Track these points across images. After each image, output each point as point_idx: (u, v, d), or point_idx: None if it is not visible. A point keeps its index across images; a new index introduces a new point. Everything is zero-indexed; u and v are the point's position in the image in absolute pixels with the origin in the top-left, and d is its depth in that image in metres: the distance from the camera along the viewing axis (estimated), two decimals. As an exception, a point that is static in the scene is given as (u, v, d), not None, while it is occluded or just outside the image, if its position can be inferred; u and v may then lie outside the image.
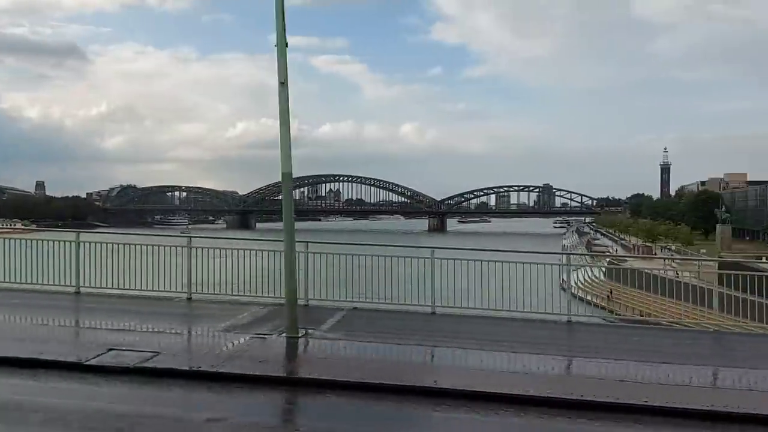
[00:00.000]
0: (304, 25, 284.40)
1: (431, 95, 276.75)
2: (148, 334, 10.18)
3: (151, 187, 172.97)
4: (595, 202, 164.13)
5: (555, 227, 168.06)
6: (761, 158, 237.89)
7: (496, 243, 61.90)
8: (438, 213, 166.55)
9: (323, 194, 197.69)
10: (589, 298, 43.77)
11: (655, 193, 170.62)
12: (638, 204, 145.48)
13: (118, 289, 13.24)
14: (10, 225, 76.02)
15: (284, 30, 9.46)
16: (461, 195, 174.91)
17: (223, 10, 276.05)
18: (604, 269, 44.15)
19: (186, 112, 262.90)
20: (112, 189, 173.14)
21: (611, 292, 41.81)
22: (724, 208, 75.04)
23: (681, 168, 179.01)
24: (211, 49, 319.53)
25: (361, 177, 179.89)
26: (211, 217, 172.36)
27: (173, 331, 10.17)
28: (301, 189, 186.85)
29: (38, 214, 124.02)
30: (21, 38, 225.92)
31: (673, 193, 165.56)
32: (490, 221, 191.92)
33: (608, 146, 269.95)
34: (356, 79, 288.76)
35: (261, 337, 9.50)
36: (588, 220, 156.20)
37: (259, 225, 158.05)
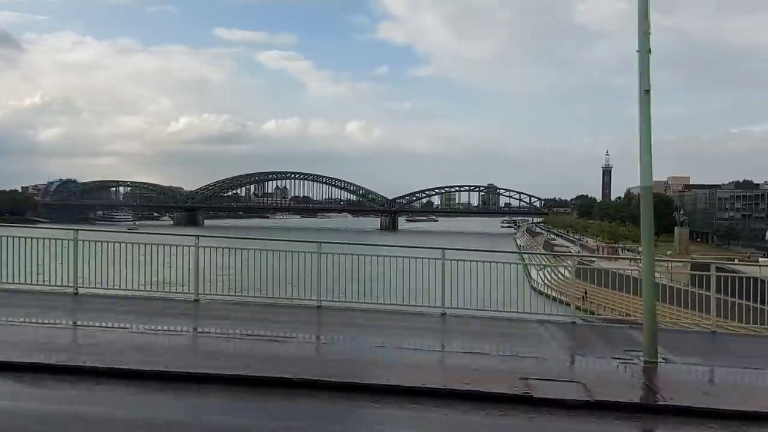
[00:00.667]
0: (251, 20, 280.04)
1: (378, 94, 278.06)
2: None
3: (94, 182, 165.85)
4: (541, 202, 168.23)
5: (503, 227, 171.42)
6: (687, 161, 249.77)
7: (454, 242, 62.59)
8: (389, 212, 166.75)
9: (270, 191, 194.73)
10: (562, 298, 45.03)
11: (597, 195, 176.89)
12: (586, 205, 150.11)
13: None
14: None
15: (647, 34, 8.76)
16: (412, 194, 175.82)
17: (168, 2, 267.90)
18: (570, 269, 45.64)
19: (126, 104, 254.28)
20: (51, 183, 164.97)
21: (586, 293, 43.20)
22: (682, 211, 78.46)
23: (618, 171, 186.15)
24: (154, 41, 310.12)
25: (311, 174, 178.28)
26: (156, 214, 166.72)
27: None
28: (248, 186, 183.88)
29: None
30: None
31: (614, 194, 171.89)
32: (437, 220, 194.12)
33: (549, 148, 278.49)
34: (303, 76, 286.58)
35: (621, 361, 9.07)
36: (536, 220, 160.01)
37: (206, 222, 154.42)
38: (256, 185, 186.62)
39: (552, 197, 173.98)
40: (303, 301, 13.31)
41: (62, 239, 14.41)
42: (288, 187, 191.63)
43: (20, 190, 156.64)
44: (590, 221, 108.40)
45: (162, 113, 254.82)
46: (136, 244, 14.61)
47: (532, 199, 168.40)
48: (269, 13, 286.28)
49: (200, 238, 13.55)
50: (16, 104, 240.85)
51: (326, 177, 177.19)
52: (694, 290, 15.30)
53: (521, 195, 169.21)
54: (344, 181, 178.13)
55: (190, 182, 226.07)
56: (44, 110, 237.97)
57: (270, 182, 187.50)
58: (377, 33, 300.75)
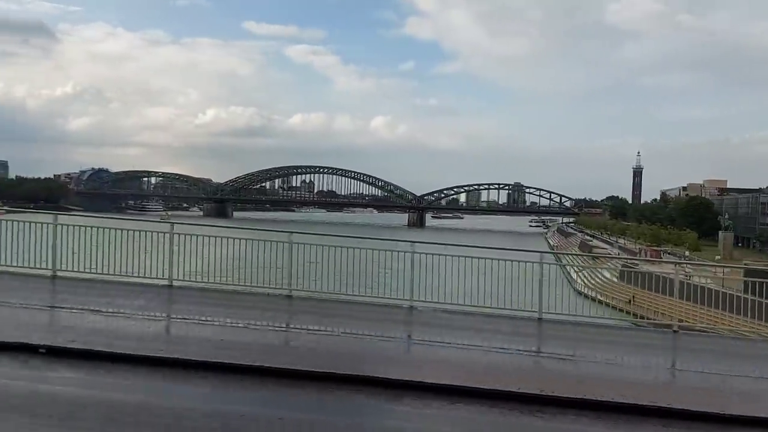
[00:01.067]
0: (280, 14, 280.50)
1: (403, 90, 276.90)
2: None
3: (125, 172, 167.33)
4: (572, 202, 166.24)
5: (531, 226, 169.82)
6: (717, 165, 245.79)
7: (484, 240, 61.87)
8: (417, 208, 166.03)
9: (296, 185, 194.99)
10: (608, 301, 44.06)
11: (627, 195, 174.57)
12: (618, 207, 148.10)
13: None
14: None
15: None
16: (440, 191, 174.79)
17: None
18: (613, 272, 44.57)
19: (155, 96, 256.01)
20: (83, 172, 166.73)
21: (633, 297, 42.18)
22: (726, 215, 76.81)
23: (648, 172, 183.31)
24: (184, 34, 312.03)
25: (338, 169, 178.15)
26: (185, 204, 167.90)
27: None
28: (274, 180, 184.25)
29: (8, 196, 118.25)
30: None
31: (644, 196, 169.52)
32: (463, 218, 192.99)
33: (577, 148, 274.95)
34: (329, 71, 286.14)
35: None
36: (566, 220, 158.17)
37: (235, 214, 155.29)
38: (283, 179, 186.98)
39: (582, 197, 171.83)
40: (395, 301, 13.16)
41: (158, 231, 14.37)
42: (314, 181, 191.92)
43: (52, 178, 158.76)
44: (626, 223, 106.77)
45: (190, 105, 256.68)
46: (230, 239, 14.58)
47: (563, 199, 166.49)
48: (298, 8, 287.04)
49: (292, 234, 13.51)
50: (49, 93, 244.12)
51: (353, 172, 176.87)
52: (747, 297, 14.41)
53: (551, 194, 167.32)
54: (371, 177, 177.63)
55: (216, 174, 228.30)
56: (75, 100, 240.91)
57: (296, 176, 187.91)
58: (404, 29, 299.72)
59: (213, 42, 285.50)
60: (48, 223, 13.97)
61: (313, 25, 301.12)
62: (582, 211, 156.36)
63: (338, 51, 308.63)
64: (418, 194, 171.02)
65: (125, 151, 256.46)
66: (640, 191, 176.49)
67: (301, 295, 13.44)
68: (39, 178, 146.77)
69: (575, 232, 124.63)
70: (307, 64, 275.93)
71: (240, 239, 14.45)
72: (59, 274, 13.41)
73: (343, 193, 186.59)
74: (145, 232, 15.03)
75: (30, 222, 14.51)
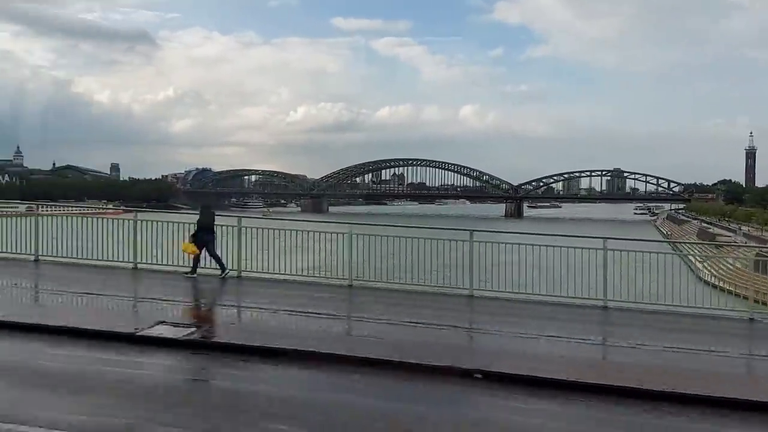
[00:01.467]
0: (367, 8, 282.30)
1: (491, 77, 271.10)
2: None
3: (228, 171, 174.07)
4: (681, 188, 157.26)
5: (636, 214, 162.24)
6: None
7: (591, 230, 59.50)
8: (514, 198, 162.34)
9: (387, 178, 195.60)
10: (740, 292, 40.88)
11: (739, 178, 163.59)
12: (734, 191, 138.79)
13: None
14: (103, 207, 75.60)
15: None
16: (539, 179, 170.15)
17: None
18: (745, 261, 41.18)
19: (249, 96, 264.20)
20: (189, 172, 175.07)
21: None
22: None
23: (763, 153, 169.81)
24: (274, 34, 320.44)
25: (432, 160, 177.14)
26: (282, 201, 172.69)
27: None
28: (367, 174, 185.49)
29: (124, 196, 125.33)
30: (94, 24, 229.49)
31: (759, 179, 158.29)
32: (560, 206, 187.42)
33: (678, 131, 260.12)
34: (416, 62, 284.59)
35: None
36: (674, 207, 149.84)
37: (331, 209, 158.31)
38: (374, 173, 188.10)
39: (691, 182, 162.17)
40: (454, 290, 13.52)
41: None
42: (405, 173, 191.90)
43: (161, 179, 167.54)
44: (748, 209, 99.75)
45: (282, 104, 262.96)
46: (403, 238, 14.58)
47: (671, 184, 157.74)
48: (384, 1, 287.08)
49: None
50: (152, 98, 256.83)
51: (446, 162, 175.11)
52: None
53: (659, 180, 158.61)
54: (464, 167, 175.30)
55: (308, 169, 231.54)
56: (176, 103, 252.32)
57: (386, 169, 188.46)
58: (493, 14, 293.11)
59: (302, 41, 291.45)
60: (233, 226, 14.84)
61: (398, 17, 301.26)
62: (693, 197, 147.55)
63: (424, 41, 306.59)
64: (510, 184, 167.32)
65: (222, 150, 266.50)
66: (754, 174, 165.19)
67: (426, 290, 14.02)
68: (150, 179, 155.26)
69: (688, 219, 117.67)
70: (394, 56, 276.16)
71: (422, 239, 14.33)
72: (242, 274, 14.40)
73: (432, 185, 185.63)
74: (324, 233, 15.60)
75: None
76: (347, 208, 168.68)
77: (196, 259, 14.02)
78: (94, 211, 33.60)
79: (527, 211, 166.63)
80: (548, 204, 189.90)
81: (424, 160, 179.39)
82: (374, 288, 13.76)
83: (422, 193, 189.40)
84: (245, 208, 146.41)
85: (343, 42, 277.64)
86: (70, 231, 15.58)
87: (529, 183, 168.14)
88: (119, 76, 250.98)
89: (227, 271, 14.06)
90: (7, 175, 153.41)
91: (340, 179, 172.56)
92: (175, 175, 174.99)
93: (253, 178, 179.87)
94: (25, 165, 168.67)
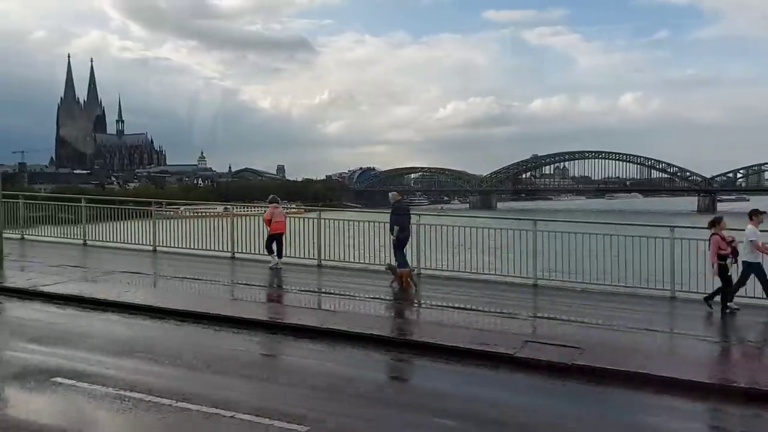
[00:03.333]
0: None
1: (654, 62, 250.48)
2: None
3: (392, 170, 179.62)
4: None
5: None
6: None
7: None
8: (706, 191, 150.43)
9: (549, 172, 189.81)
10: None
11: None
12: None
13: None
14: (291, 206, 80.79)
15: None
16: (735, 171, 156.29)
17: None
18: None
19: (398, 95, 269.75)
20: (353, 171, 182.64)
21: None
22: None
23: None
24: (425, 32, 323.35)
25: (601, 151, 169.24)
26: (445, 198, 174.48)
27: None
28: (534, 169, 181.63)
29: (301, 196, 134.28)
30: (259, 35, 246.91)
31: None
32: (748, 200, 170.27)
33: None
34: (570, 51, 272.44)
35: None
36: None
37: (499, 205, 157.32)
38: (536, 167, 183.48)
39: None
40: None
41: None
42: (567, 166, 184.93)
43: (332, 179, 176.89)
44: None
45: (431, 101, 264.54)
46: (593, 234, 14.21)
47: None
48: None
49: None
50: (309, 102, 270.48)
51: (622, 153, 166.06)
52: None
53: None
54: (639, 156, 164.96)
55: (459, 165, 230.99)
56: (331, 106, 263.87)
57: (549, 165, 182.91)
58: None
59: (451, 37, 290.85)
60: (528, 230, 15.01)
61: (553, 5, 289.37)
62: None
63: (580, 29, 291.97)
64: (702, 175, 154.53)
65: (374, 149, 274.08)
66: None
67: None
68: (324, 179, 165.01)
69: None
70: (546, 46, 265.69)
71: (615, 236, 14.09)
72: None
73: (596, 178, 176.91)
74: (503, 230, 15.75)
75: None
76: (511, 204, 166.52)
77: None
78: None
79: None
80: (734, 197, 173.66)
81: (591, 151, 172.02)
82: (560, 288, 13.79)
83: (596, 188, 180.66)
84: (410, 206, 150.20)
85: (492, 35, 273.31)
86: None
87: (724, 174, 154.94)
88: (280, 83, 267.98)
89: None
90: (199, 179, 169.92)
91: (509, 175, 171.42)
92: (341, 174, 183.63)
93: (414, 175, 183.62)
94: (213, 169, 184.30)
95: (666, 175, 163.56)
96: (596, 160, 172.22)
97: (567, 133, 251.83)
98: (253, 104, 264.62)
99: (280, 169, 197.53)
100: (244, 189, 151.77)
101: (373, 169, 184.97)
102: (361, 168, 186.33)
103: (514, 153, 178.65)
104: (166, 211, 23.75)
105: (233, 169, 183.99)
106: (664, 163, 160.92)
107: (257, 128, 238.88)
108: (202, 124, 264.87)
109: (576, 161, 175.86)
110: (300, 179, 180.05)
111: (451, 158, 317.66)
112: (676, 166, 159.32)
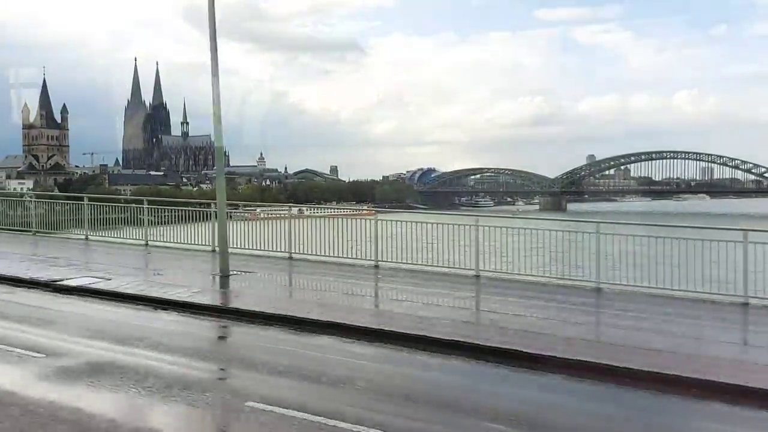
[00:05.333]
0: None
1: (711, 58, 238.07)
2: None
3: (456, 171, 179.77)
4: None
5: None
6: None
7: None
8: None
9: (612, 173, 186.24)
10: None
11: None
12: None
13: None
14: (359, 208, 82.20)
15: None
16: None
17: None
18: None
19: (446, 95, 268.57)
20: (412, 172, 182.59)
21: None
22: None
23: None
24: (473, 31, 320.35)
25: (670, 151, 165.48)
26: (509, 199, 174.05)
27: None
28: (610, 170, 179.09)
29: (368, 198, 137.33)
30: (311, 37, 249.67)
31: None
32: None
33: None
34: (621, 49, 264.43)
35: None
36: None
37: (569, 207, 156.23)
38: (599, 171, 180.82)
39: None
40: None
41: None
42: (629, 167, 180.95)
43: (378, 180, 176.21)
44: None
45: (479, 101, 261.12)
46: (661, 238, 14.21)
47: None
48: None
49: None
50: (357, 103, 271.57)
51: (695, 153, 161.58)
52: None
53: None
54: (709, 155, 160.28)
55: (511, 165, 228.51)
56: (379, 106, 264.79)
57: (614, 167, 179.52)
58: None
59: (500, 36, 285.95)
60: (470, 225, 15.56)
61: (607, 2, 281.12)
62: None
63: (633, 26, 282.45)
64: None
65: (421, 149, 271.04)
66: None
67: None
68: (390, 181, 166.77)
69: None
70: (597, 44, 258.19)
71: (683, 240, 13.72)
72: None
73: (658, 179, 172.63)
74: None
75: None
76: (574, 205, 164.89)
77: None
78: (351, 212, 36.39)
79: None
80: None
81: (663, 151, 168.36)
82: (626, 292, 13.34)
83: (660, 189, 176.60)
84: (476, 207, 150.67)
85: (543, 34, 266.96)
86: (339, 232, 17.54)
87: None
88: (329, 84, 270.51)
89: None
90: (266, 180, 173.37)
91: (579, 176, 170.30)
92: (400, 175, 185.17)
93: (476, 176, 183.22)
94: (278, 170, 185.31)
95: (752, 176, 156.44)
96: (660, 161, 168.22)
97: (619, 132, 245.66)
98: (302, 105, 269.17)
99: (333, 169, 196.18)
100: (314, 189, 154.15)
101: (434, 170, 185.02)
102: (420, 169, 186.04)
103: (567, 154, 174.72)
104: (242, 213, 23.56)
105: (289, 170, 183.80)
106: (750, 162, 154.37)
107: (306, 129, 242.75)
108: (253, 125, 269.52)
109: (638, 164, 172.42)
110: (348, 179, 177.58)
111: (501, 158, 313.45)
112: (763, 166, 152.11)
